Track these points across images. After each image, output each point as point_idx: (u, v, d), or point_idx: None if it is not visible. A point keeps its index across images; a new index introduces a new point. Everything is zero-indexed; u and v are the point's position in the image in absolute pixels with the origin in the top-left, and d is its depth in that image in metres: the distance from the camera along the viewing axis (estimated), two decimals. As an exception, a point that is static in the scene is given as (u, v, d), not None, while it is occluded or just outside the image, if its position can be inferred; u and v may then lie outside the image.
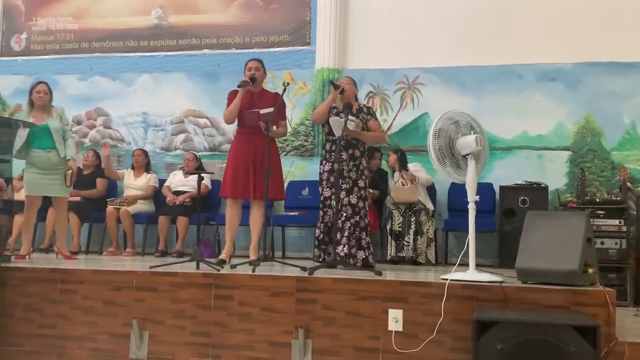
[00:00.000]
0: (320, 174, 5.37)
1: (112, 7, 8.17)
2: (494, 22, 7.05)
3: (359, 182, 5.29)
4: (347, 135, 5.20)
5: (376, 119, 5.55)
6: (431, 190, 6.76)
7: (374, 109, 6.00)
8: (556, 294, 3.77)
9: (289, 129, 7.47)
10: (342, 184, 5.17)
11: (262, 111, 5.17)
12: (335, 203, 4.99)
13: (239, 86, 5.29)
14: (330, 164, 5.25)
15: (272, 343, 4.10)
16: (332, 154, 5.27)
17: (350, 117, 5.18)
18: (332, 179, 5.18)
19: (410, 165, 6.63)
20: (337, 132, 5.16)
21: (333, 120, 5.20)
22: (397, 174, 6.62)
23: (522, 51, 6.95)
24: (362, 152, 5.36)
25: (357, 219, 5.23)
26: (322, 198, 5.31)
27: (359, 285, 4.06)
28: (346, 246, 5.15)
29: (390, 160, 6.71)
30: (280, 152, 7.33)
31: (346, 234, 5.17)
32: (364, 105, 5.62)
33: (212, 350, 4.18)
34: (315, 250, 5.42)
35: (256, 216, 5.39)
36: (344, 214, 5.20)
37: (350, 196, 5.24)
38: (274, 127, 5.32)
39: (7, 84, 8.24)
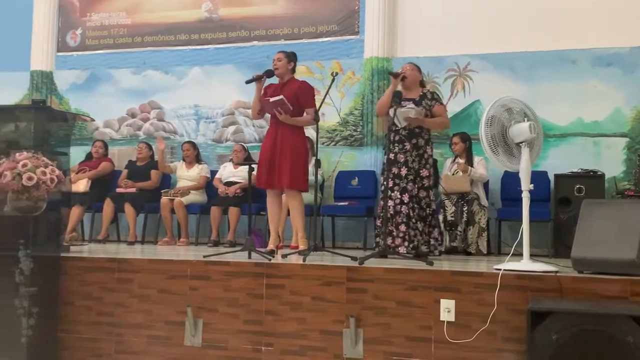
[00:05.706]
0: (384, 163, 5.35)
1: (164, 1, 8.28)
2: (546, 7, 6.86)
3: (421, 171, 5.25)
4: (409, 125, 5.18)
5: (441, 104, 5.50)
6: (484, 180, 6.64)
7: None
8: (613, 284, 3.68)
9: (338, 119, 7.50)
10: (407, 175, 5.17)
11: (272, 99, 5.25)
12: (384, 194, 4.99)
13: (247, 82, 5.52)
14: (394, 154, 5.23)
15: (323, 332, 4.12)
16: (396, 144, 5.24)
17: (409, 105, 5.16)
18: (393, 169, 5.17)
19: (476, 159, 6.43)
20: (400, 123, 5.15)
21: (392, 112, 5.15)
22: (449, 160, 6.55)
23: (576, 36, 6.75)
24: (426, 140, 5.32)
25: (419, 210, 5.23)
26: (382, 188, 5.29)
27: (410, 275, 4.05)
28: (407, 238, 5.15)
29: (459, 148, 6.52)
30: (329, 142, 7.48)
31: (412, 226, 5.16)
32: (428, 90, 5.53)
33: (265, 338, 4.22)
34: (377, 238, 5.32)
35: (292, 206, 5.48)
36: (410, 206, 5.19)
37: (414, 187, 5.21)
38: (281, 115, 5.29)
39: (64, 78, 8.44)
